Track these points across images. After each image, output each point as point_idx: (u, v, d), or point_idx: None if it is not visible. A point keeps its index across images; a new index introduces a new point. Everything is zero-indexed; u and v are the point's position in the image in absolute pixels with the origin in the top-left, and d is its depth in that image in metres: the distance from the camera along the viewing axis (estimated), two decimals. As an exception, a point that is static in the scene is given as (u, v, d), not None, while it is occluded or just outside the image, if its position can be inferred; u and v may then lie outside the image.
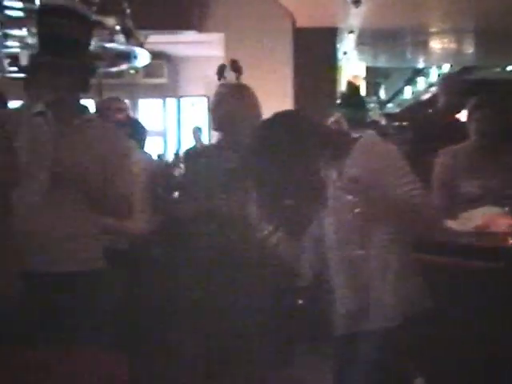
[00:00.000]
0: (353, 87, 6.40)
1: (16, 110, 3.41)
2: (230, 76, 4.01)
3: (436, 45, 14.01)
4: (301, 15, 10.23)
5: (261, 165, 2.63)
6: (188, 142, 11.83)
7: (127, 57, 7.72)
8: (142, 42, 7.81)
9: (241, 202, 3.52)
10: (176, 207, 3.89)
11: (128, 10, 7.25)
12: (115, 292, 3.29)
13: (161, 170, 5.29)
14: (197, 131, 11.69)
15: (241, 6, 10.05)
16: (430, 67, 17.79)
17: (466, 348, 3.28)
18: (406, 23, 11.50)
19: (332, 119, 5.53)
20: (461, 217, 3.78)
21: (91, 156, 3.08)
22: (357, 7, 9.21)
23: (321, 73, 10.39)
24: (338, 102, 6.41)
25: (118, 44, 7.31)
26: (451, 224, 3.71)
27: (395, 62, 17.09)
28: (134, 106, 11.94)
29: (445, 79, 6.23)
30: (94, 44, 3.44)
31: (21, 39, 6.91)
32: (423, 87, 19.28)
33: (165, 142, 12.92)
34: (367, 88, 16.12)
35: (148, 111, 12.53)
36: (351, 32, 11.43)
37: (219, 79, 3.89)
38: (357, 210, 2.52)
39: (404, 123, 13.64)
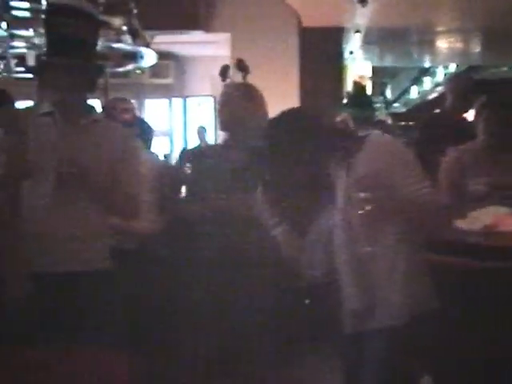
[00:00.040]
0: (359, 87, 6.40)
1: (25, 109, 3.42)
2: (236, 76, 4.01)
3: (442, 44, 14.00)
4: (307, 15, 10.23)
5: (267, 163, 2.63)
6: (194, 142, 11.85)
7: (134, 57, 7.73)
8: (148, 42, 7.81)
9: (248, 202, 3.52)
10: (183, 207, 3.88)
11: (135, 10, 7.25)
12: (122, 292, 3.28)
13: (167, 170, 5.28)
14: (201, 131, 11.70)
15: (247, 5, 10.06)
16: (437, 67, 17.78)
17: (474, 348, 3.27)
18: (413, 22, 11.49)
19: (338, 119, 5.52)
20: (469, 216, 3.76)
21: (98, 156, 3.08)
22: (363, 6, 9.21)
23: (327, 72, 10.39)
24: (345, 101, 6.41)
25: (125, 44, 7.31)
26: (459, 223, 3.70)
27: (401, 61, 17.07)
28: (141, 106, 11.94)
29: (452, 79, 6.22)
30: (100, 44, 3.43)
31: (27, 39, 6.92)
32: (429, 87, 19.26)
33: (171, 141, 12.91)
34: (373, 88, 16.10)
35: (154, 111, 12.53)
36: (357, 31, 11.43)
37: (223, 80, 3.89)
38: (368, 208, 2.52)
39: (410, 123, 13.64)
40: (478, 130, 4.21)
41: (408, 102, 22.51)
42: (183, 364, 3.88)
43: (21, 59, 7.27)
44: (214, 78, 4.02)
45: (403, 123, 14.59)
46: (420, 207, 2.59)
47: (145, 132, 4.66)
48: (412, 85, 20.94)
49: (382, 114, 15.18)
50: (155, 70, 11.56)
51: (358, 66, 14.58)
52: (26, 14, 6.65)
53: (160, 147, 10.18)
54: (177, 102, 13.02)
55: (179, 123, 12.99)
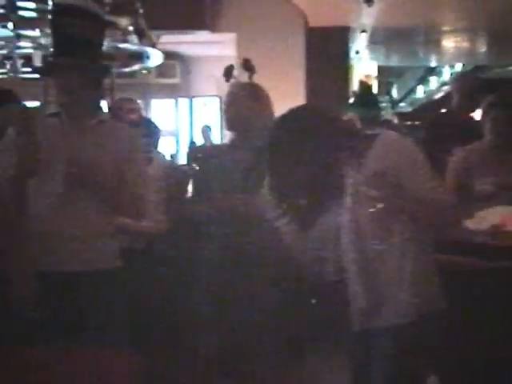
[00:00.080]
0: (365, 86, 6.39)
1: (34, 109, 3.43)
2: (241, 75, 4.01)
3: (448, 44, 13.99)
4: (313, 14, 10.22)
5: (275, 159, 2.63)
6: (199, 142, 11.88)
7: (140, 57, 7.72)
8: (154, 42, 7.81)
9: (254, 202, 3.52)
10: (189, 207, 3.88)
11: (141, 10, 7.25)
12: (128, 292, 3.29)
13: (174, 170, 5.28)
14: (206, 130, 11.73)
15: (253, 5, 10.05)
16: (443, 66, 17.77)
17: (480, 348, 3.26)
18: (419, 22, 11.48)
19: (345, 118, 5.51)
20: (476, 216, 3.76)
21: (105, 156, 3.08)
22: (369, 6, 9.20)
23: (333, 72, 10.38)
24: (351, 101, 6.40)
25: (131, 44, 7.31)
26: (467, 223, 3.70)
27: (407, 61, 17.07)
28: (147, 106, 11.95)
29: (458, 78, 6.21)
30: (106, 44, 3.44)
31: (34, 40, 6.92)
32: (436, 86, 19.25)
33: (177, 142, 12.92)
34: (379, 87, 16.10)
35: (160, 111, 12.54)
36: (363, 31, 11.42)
37: (227, 80, 3.89)
38: (380, 206, 2.51)
39: (416, 122, 13.62)
40: (485, 129, 4.20)
41: (414, 102, 22.49)
42: (190, 364, 3.88)
43: (27, 59, 7.28)
44: (220, 78, 4.02)
45: (409, 123, 14.56)
46: (429, 206, 2.58)
47: (151, 132, 4.67)
48: (418, 84, 20.93)
49: (387, 114, 15.17)
50: (161, 70, 11.57)
51: (363, 66, 14.59)
52: (33, 14, 6.65)
53: (166, 147, 10.18)
54: (183, 102, 13.03)
55: (185, 123, 13.00)
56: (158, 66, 9.46)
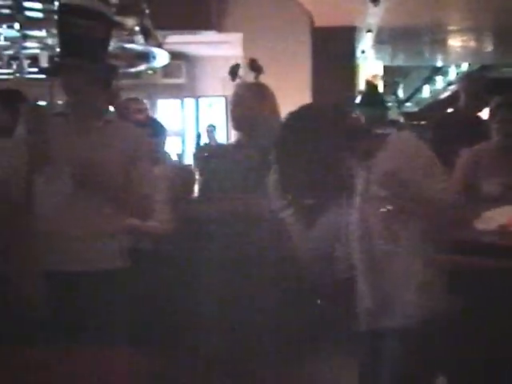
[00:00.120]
0: (372, 86, 6.37)
1: (44, 107, 3.43)
2: (247, 75, 4.00)
3: (455, 43, 13.96)
4: (319, 14, 10.21)
5: (283, 157, 2.62)
6: (204, 141, 11.88)
7: (146, 57, 7.73)
8: (160, 43, 7.81)
9: (262, 201, 3.52)
10: (196, 207, 3.88)
11: (147, 11, 7.26)
12: (134, 292, 3.29)
13: (180, 170, 5.28)
14: (211, 129, 11.74)
15: (259, 5, 10.05)
16: (449, 66, 17.73)
17: (489, 348, 3.25)
18: (425, 21, 11.46)
19: (354, 118, 5.49)
20: (483, 216, 3.75)
21: (112, 156, 3.09)
22: (375, 6, 9.19)
23: (339, 72, 10.37)
24: (358, 100, 6.38)
25: (137, 44, 7.32)
26: (474, 223, 3.69)
27: (413, 60, 17.04)
28: (153, 106, 11.95)
29: (464, 77, 6.20)
30: (113, 44, 3.44)
31: (40, 40, 6.93)
32: (442, 86, 19.21)
33: (183, 142, 12.92)
34: (385, 87, 16.07)
35: (166, 111, 12.54)
36: (369, 31, 11.41)
37: (233, 80, 3.88)
38: (390, 207, 2.51)
39: (422, 122, 13.60)
40: (493, 130, 4.19)
41: (420, 102, 22.45)
42: (194, 364, 3.88)
43: (33, 60, 7.29)
44: (226, 78, 4.02)
45: (415, 122, 14.53)
46: (440, 207, 2.57)
47: (158, 132, 4.67)
48: (424, 84, 20.89)
49: (393, 114, 15.14)
50: (167, 70, 11.57)
51: (369, 66, 14.57)
52: (39, 14, 6.65)
53: (172, 147, 10.18)
54: (189, 102, 13.03)
55: (191, 123, 13.00)
56: (164, 66, 9.46)
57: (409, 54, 15.60)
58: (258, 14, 10.08)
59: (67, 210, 3.02)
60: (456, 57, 16.12)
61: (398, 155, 2.58)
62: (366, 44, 12.65)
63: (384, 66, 15.34)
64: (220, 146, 8.77)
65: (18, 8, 6.51)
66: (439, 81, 19.33)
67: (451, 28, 12.55)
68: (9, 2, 6.47)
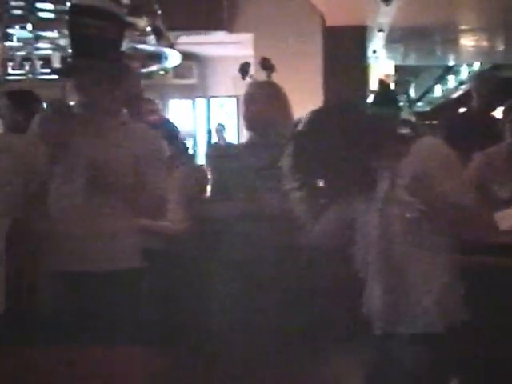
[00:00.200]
0: (385, 85, 6.35)
1: (63, 101, 3.45)
2: (258, 74, 4.00)
3: (466, 42, 13.92)
4: (330, 14, 10.20)
5: (310, 149, 2.60)
6: (213, 141, 11.93)
7: (158, 58, 7.75)
8: (172, 43, 7.83)
9: (275, 200, 3.52)
10: (210, 207, 3.89)
11: (159, 11, 7.27)
12: (152, 291, 3.30)
13: (194, 170, 5.29)
14: (220, 129, 11.76)
15: (270, 5, 10.06)
16: (461, 65, 17.67)
17: (502, 349, 3.24)
18: (436, 21, 11.44)
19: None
20: (495, 216, 3.74)
21: (125, 157, 3.09)
22: (387, 5, 9.18)
23: (350, 71, 10.36)
24: (371, 100, 6.37)
25: (149, 45, 7.33)
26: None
27: (425, 60, 16.99)
28: (164, 106, 11.97)
29: (476, 77, 6.18)
30: (125, 45, 3.44)
31: (52, 41, 6.95)
32: (453, 85, 19.15)
33: (195, 142, 12.94)
34: (397, 86, 16.04)
35: (178, 112, 12.56)
36: (381, 30, 11.38)
37: (243, 78, 3.88)
38: (413, 214, 2.47)
39: (434, 122, 13.57)
40: (506, 133, 4.17)
41: (432, 101, 22.39)
42: (206, 364, 3.89)
43: (46, 61, 7.31)
44: (237, 77, 4.02)
45: (427, 122, 14.51)
46: (465, 216, 2.54)
47: (171, 133, 4.68)
48: (436, 83, 20.83)
49: (405, 113, 15.10)
50: (178, 71, 11.59)
51: (381, 65, 14.55)
52: (51, 15, 6.68)
53: (185, 148, 10.18)
54: (200, 102, 13.05)
55: (203, 124, 13.02)
56: (175, 67, 9.48)
57: (420, 53, 15.56)
58: (269, 14, 10.08)
59: (80, 210, 3.03)
60: (468, 56, 16.07)
61: (425, 160, 2.54)
62: (377, 43, 12.62)
63: (395, 66, 15.31)
64: (230, 145, 8.79)
65: (30, 9, 6.54)
66: (451, 80, 19.27)
67: (463, 27, 12.51)
68: (21, 3, 6.50)
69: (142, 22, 7.02)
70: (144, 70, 8.22)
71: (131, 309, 3.07)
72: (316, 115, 2.67)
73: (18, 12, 6.59)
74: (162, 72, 10.31)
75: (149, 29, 7.16)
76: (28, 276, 2.90)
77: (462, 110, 5.95)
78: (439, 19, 11.27)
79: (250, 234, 3.59)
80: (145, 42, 7.23)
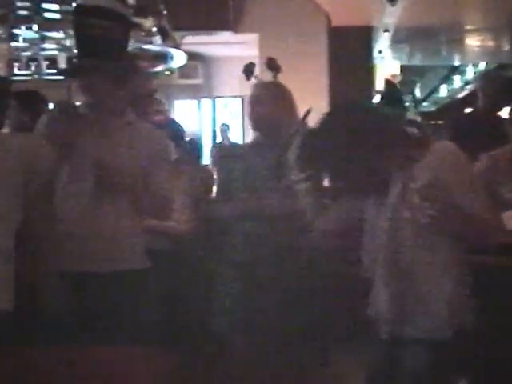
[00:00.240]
0: (391, 85, 6.33)
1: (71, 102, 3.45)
2: (263, 74, 4.00)
3: (472, 42, 13.90)
4: (336, 14, 10.21)
5: (317, 146, 2.59)
6: (218, 140, 11.94)
7: (164, 58, 7.74)
8: (178, 43, 7.83)
9: (281, 200, 3.52)
10: (215, 207, 3.89)
11: (164, 12, 7.27)
12: (154, 292, 3.30)
13: (199, 170, 5.30)
14: (224, 128, 11.77)
15: (276, 6, 10.06)
16: (466, 65, 17.65)
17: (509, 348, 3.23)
18: (442, 21, 11.43)
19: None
20: (503, 216, 3.73)
21: (131, 157, 3.09)
22: (392, 5, 9.17)
23: (356, 72, 10.36)
24: (377, 100, 6.36)
25: (155, 45, 7.33)
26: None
27: (431, 60, 16.98)
28: (170, 107, 11.97)
29: (482, 77, 6.17)
30: (130, 45, 3.44)
31: (58, 41, 6.96)
32: (459, 85, 19.12)
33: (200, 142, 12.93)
34: (402, 86, 16.01)
35: (183, 112, 12.56)
36: (386, 30, 11.38)
37: (248, 78, 3.87)
38: (424, 220, 2.45)
39: (440, 122, 13.55)
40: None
41: (437, 101, 22.36)
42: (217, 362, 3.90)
43: (52, 61, 7.33)
44: (242, 78, 4.01)
45: (433, 122, 14.49)
46: (479, 225, 2.52)
47: (177, 133, 4.68)
48: (441, 83, 20.80)
49: (411, 113, 15.09)
50: (184, 71, 11.59)
51: (386, 65, 14.53)
52: (57, 15, 6.68)
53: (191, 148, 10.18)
54: (206, 102, 13.05)
55: (208, 124, 13.02)
56: (181, 67, 9.48)
57: (426, 53, 15.55)
58: (275, 15, 10.09)
59: (85, 210, 3.03)
60: (473, 56, 16.05)
61: (438, 166, 2.51)
62: (383, 44, 12.62)
63: (401, 66, 15.30)
64: (235, 145, 8.78)
65: (36, 10, 6.54)
66: (456, 80, 19.24)
67: (468, 27, 12.50)
68: (27, 4, 6.50)
69: (148, 23, 7.02)
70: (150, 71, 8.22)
71: (136, 309, 3.07)
72: (326, 115, 2.67)
73: (24, 13, 6.59)
74: (167, 72, 10.30)
75: (154, 29, 7.17)
76: (28, 276, 2.90)
77: (468, 110, 5.94)
78: (445, 19, 11.26)
79: (256, 234, 3.59)
80: (150, 43, 7.23)
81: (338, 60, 10.30)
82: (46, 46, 7.08)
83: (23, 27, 6.80)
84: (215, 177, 5.07)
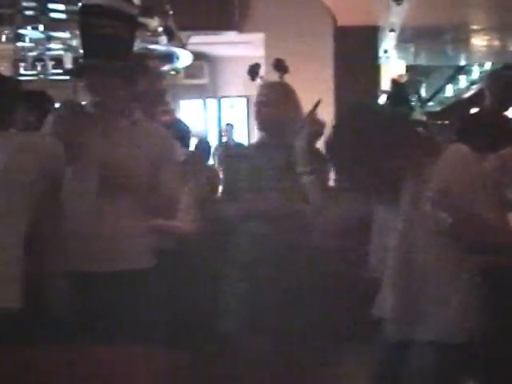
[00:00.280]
0: (398, 85, 6.33)
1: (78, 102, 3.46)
2: (268, 75, 3.99)
3: (478, 42, 13.87)
4: (342, 14, 10.19)
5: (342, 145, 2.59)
6: (222, 140, 11.95)
7: (170, 58, 7.75)
8: (184, 43, 7.83)
9: (287, 200, 3.52)
10: (221, 207, 3.89)
11: (170, 12, 7.28)
12: (160, 291, 3.30)
13: (205, 170, 5.30)
14: (229, 128, 11.76)
15: (281, 5, 10.05)
16: (472, 65, 17.61)
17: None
18: (448, 21, 11.41)
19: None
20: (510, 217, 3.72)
21: (137, 157, 3.10)
22: (398, 5, 9.16)
23: (362, 71, 10.34)
24: (383, 100, 6.36)
25: (161, 45, 7.34)
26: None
27: (436, 59, 16.95)
28: (176, 107, 11.98)
29: (490, 76, 6.15)
30: (136, 45, 3.45)
31: (64, 41, 6.98)
32: (465, 85, 19.09)
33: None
34: (408, 86, 15.98)
35: (189, 112, 12.56)
36: (392, 30, 11.36)
37: (253, 79, 3.87)
38: (438, 228, 2.42)
39: (446, 122, 13.53)
40: None
41: (443, 101, 22.32)
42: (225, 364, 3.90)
43: (58, 61, 7.34)
44: (247, 78, 4.01)
45: (438, 122, 14.47)
46: (493, 235, 2.50)
47: (183, 133, 4.68)
48: (447, 83, 20.75)
49: (417, 113, 15.07)
50: (189, 71, 11.58)
51: (392, 65, 14.51)
52: (63, 16, 6.69)
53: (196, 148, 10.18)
54: (211, 102, 13.05)
55: (214, 124, 13.01)
56: (187, 67, 9.49)
57: (432, 53, 15.52)
58: (280, 14, 10.08)
59: (91, 209, 3.04)
60: (479, 56, 16.01)
61: (450, 170, 2.48)
62: (388, 43, 12.60)
63: (406, 66, 15.28)
64: (240, 145, 8.79)
65: (42, 10, 6.55)
66: (462, 80, 19.20)
67: (474, 27, 12.47)
68: (33, 4, 6.52)
69: (154, 23, 7.03)
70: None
71: (141, 309, 3.07)
72: (340, 116, 2.68)
73: (30, 13, 6.61)
74: (173, 72, 10.31)
75: (160, 29, 7.17)
76: (34, 275, 2.91)
77: (474, 109, 5.92)
78: (450, 19, 11.25)
79: (261, 234, 3.59)
80: (156, 43, 7.24)
81: (344, 60, 10.28)
82: (51, 46, 7.10)
83: (29, 27, 6.82)
84: (221, 176, 5.06)
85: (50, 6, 6.53)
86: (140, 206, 3.14)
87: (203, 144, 5.01)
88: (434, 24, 11.53)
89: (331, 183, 4.45)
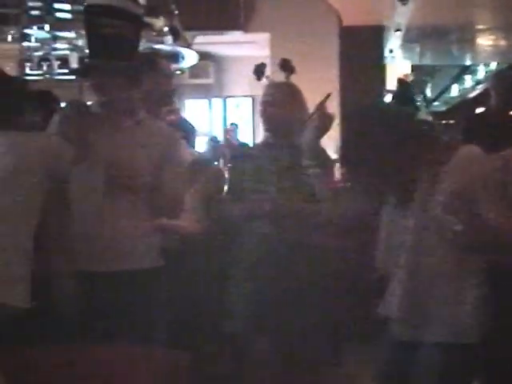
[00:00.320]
0: (404, 84, 6.32)
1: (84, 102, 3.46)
2: (274, 74, 3.99)
3: (483, 42, 13.85)
4: (347, 14, 10.19)
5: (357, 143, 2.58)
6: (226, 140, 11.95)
7: (175, 58, 7.75)
8: (189, 43, 7.83)
9: (293, 200, 3.52)
10: (226, 207, 3.89)
11: (176, 11, 7.28)
12: (166, 291, 3.31)
13: (210, 169, 5.29)
14: (233, 128, 11.77)
15: (287, 5, 10.05)
16: (478, 65, 17.59)
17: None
18: (453, 20, 11.40)
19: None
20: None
21: (143, 156, 3.10)
22: (404, 5, 9.15)
23: (367, 71, 10.34)
24: (389, 99, 6.36)
25: (166, 45, 7.34)
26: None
27: (442, 59, 16.92)
28: (181, 106, 11.98)
29: (495, 75, 6.15)
30: (142, 45, 3.45)
31: (70, 41, 6.98)
32: (470, 85, 19.06)
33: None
34: (413, 86, 15.95)
35: (194, 111, 12.57)
36: (398, 30, 11.35)
37: (258, 79, 3.87)
38: (450, 233, 2.40)
39: (451, 121, 13.52)
40: None
41: (448, 101, 22.29)
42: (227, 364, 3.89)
43: (63, 61, 7.35)
44: (253, 78, 4.01)
45: (444, 122, 14.45)
46: (498, 236, 2.46)
47: (188, 132, 4.68)
48: (452, 83, 20.73)
49: (422, 113, 15.05)
50: (195, 71, 11.59)
51: (397, 65, 14.50)
52: (68, 15, 6.70)
53: (200, 147, 10.19)
54: (216, 102, 13.06)
55: (219, 123, 13.02)
56: (192, 67, 9.49)
57: (437, 52, 15.50)
58: (286, 14, 10.08)
59: (97, 209, 3.04)
60: (485, 56, 15.99)
61: (464, 173, 2.47)
62: (394, 43, 12.59)
63: (412, 65, 15.26)
64: (244, 145, 8.78)
65: (47, 10, 6.56)
66: (468, 80, 19.18)
67: (480, 27, 12.45)
68: (39, 4, 6.52)
69: (159, 22, 7.03)
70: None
71: (149, 309, 3.07)
72: (345, 115, 2.68)
73: (36, 13, 6.61)
74: (178, 72, 10.31)
75: (166, 29, 7.17)
76: (42, 275, 2.92)
77: (479, 109, 5.92)
78: (456, 19, 11.23)
79: (266, 234, 3.59)
80: (162, 42, 7.24)
81: (349, 59, 10.28)
82: (57, 45, 7.10)
83: (35, 27, 6.82)
84: (226, 176, 5.06)
85: (56, 5, 6.53)
86: (146, 206, 3.14)
87: (214, 143, 5.00)
88: (439, 24, 11.52)
89: (331, 183, 4.44)
